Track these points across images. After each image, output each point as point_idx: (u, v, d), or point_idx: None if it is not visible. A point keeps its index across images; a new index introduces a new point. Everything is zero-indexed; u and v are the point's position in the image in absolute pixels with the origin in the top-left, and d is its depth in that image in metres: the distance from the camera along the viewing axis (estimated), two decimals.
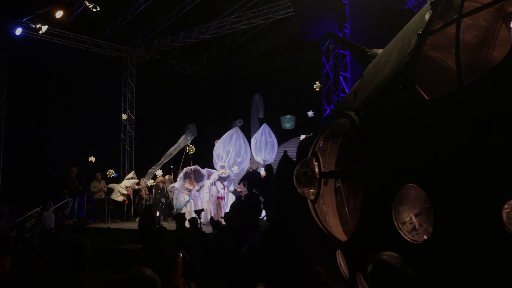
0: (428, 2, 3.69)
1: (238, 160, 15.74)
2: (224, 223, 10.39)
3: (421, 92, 3.51)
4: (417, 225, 3.28)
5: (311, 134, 11.47)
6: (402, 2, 10.42)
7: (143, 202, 16.53)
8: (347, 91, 12.81)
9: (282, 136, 16.96)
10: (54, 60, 16.75)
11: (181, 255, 4.48)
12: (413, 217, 3.30)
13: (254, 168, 15.53)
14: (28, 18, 15.22)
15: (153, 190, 15.83)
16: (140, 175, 17.12)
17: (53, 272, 2.83)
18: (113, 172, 17.15)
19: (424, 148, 3.07)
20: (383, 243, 3.28)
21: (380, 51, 4.69)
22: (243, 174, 14.68)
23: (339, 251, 4.12)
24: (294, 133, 17.37)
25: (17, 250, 6.92)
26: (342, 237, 4.14)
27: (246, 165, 15.71)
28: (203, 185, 14.49)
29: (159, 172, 16.32)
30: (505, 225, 2.59)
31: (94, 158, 16.63)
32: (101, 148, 17.79)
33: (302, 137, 13.76)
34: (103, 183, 15.87)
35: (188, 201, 14.07)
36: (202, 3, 15.60)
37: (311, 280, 5.39)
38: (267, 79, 20.39)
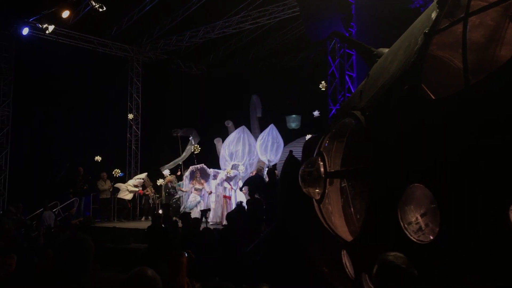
0: (435, 1, 3.67)
1: (248, 159, 15.75)
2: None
3: (428, 91, 3.49)
4: (423, 225, 3.26)
5: (317, 134, 11.39)
6: (409, 1, 10.37)
7: (150, 201, 16.59)
8: (353, 91, 12.77)
9: (288, 136, 16.92)
10: (60, 60, 16.81)
11: (186, 255, 4.47)
12: (419, 217, 3.28)
13: (261, 166, 15.50)
14: (34, 18, 15.30)
15: (162, 190, 15.83)
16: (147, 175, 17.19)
17: (54, 271, 2.82)
18: (119, 171, 17.21)
19: (430, 148, 3.05)
20: (389, 243, 3.26)
21: (386, 50, 4.67)
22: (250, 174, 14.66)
23: (344, 251, 4.11)
24: (300, 133, 17.32)
25: (22, 249, 6.96)
26: (348, 237, 4.12)
27: (254, 165, 15.70)
28: (211, 192, 14.51)
29: (166, 172, 16.33)
30: None
31: (100, 158, 16.69)
32: (106, 148, 17.84)
33: (308, 137, 13.71)
34: (108, 182, 15.92)
35: (199, 202, 14.10)
36: (208, 2, 15.62)
37: (315, 280, 5.38)
38: (272, 78, 20.36)
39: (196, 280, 4.94)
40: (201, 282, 5.12)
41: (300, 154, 6.00)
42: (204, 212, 12.12)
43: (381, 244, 3.36)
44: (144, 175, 16.71)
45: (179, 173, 16.71)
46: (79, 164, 15.86)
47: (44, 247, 6.83)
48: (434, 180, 2.98)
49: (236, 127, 16.84)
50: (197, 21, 17.14)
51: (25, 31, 15.24)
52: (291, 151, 6.82)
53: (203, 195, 14.40)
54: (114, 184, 16.07)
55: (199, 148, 16.10)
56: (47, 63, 16.45)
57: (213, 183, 14.71)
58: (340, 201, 4.42)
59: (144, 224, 13.11)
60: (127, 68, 19.94)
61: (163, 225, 10.17)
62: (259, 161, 16.30)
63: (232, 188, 14.43)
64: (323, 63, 14.57)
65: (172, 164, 17.35)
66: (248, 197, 12.07)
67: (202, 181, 14.53)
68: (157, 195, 16.61)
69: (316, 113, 15.92)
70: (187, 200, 14.28)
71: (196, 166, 14.84)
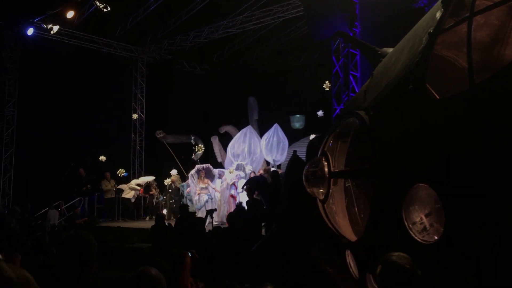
0: (439, 1, 3.65)
1: (253, 159, 15.75)
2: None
3: (432, 91, 3.48)
4: (427, 226, 3.25)
5: (321, 133, 11.35)
6: (413, 0, 10.35)
7: (154, 200, 16.61)
8: (357, 91, 12.76)
9: (292, 136, 16.92)
10: (65, 60, 16.86)
11: (190, 254, 4.46)
12: (424, 217, 3.27)
13: (266, 166, 15.50)
14: (39, 18, 15.36)
15: (168, 189, 15.83)
16: (151, 174, 17.21)
17: (55, 270, 2.82)
18: (124, 171, 17.26)
19: (435, 148, 3.04)
20: (393, 243, 3.25)
21: (390, 50, 4.66)
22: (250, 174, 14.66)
23: (348, 251, 4.10)
24: (304, 132, 17.30)
25: (27, 248, 6.98)
26: (352, 237, 4.11)
27: (259, 165, 15.70)
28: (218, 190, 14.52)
29: (173, 172, 16.32)
30: None
31: (105, 158, 16.73)
32: (111, 147, 17.90)
33: (312, 136, 13.69)
34: (112, 182, 15.96)
35: (207, 201, 14.11)
36: (212, 3, 15.64)
37: (318, 280, 5.37)
38: (276, 78, 20.35)
39: (200, 280, 4.94)
40: (205, 282, 5.12)
41: (304, 154, 6.01)
42: (210, 212, 12.13)
43: (385, 244, 3.35)
44: (151, 178, 16.73)
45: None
46: (84, 164, 15.91)
47: (49, 246, 6.84)
48: (439, 180, 2.97)
49: (239, 127, 16.85)
50: (201, 21, 17.17)
51: (30, 31, 15.31)
52: (295, 151, 6.82)
53: (213, 194, 14.40)
54: (118, 185, 16.12)
55: (203, 148, 16.12)
56: (52, 63, 16.50)
57: (217, 182, 14.72)
58: (344, 201, 4.41)
59: (148, 223, 13.14)
60: (131, 68, 20.00)
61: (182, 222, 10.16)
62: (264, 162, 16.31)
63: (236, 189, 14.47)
64: (327, 63, 14.56)
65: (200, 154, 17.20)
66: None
67: (206, 180, 14.54)
68: (161, 194, 16.62)
69: (320, 113, 15.91)
70: (197, 200, 14.27)
71: (202, 165, 14.88)
